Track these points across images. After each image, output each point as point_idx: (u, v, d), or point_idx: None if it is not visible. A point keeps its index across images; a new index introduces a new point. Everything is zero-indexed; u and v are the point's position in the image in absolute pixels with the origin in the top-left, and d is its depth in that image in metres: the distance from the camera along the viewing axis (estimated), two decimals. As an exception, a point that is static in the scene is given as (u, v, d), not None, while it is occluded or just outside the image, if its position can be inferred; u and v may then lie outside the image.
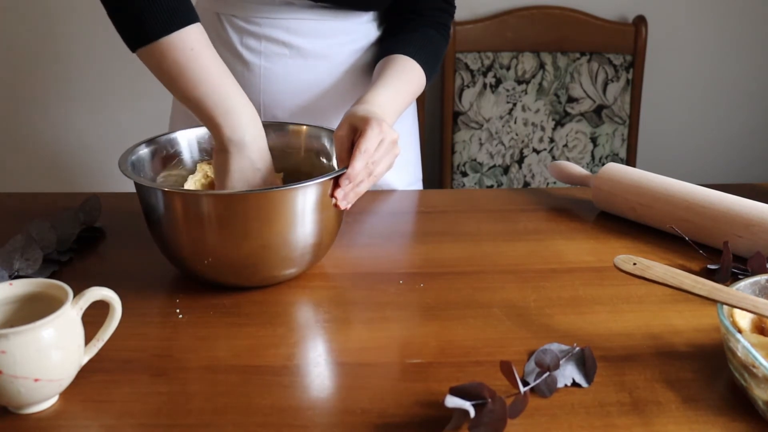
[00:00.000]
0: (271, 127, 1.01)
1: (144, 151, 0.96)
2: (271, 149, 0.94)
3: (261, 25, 1.13)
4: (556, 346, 0.77)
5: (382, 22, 1.20)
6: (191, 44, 0.88)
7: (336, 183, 0.86)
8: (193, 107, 0.90)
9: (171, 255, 0.89)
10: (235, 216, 0.82)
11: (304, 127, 1.04)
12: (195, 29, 0.89)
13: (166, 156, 0.99)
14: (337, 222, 0.91)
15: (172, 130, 1.02)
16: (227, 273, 0.87)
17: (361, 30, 1.17)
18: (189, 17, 0.89)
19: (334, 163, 1.00)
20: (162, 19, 0.87)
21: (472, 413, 0.64)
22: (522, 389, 0.68)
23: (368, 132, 0.88)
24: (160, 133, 1.00)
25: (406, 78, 1.07)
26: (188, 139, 1.01)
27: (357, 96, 1.04)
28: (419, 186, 1.34)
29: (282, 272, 0.88)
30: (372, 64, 1.17)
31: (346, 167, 0.87)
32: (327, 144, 1.02)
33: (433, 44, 1.13)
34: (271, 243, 0.84)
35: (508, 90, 2.06)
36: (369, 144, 0.88)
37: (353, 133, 0.91)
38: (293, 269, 0.89)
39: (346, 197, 0.87)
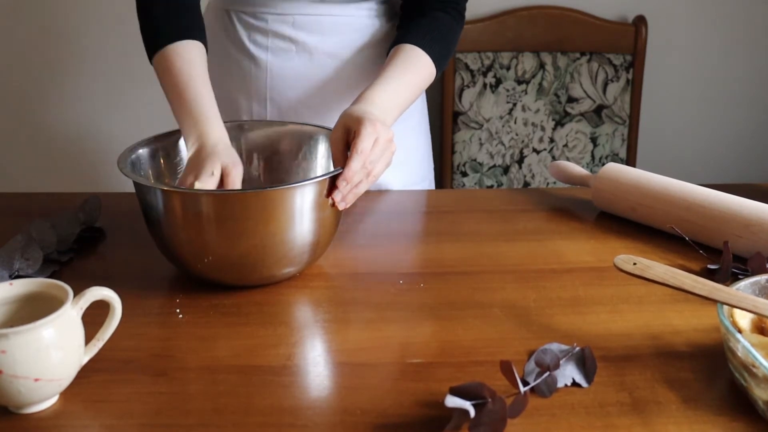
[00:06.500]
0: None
1: (144, 151, 0.96)
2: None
3: (268, 21, 1.16)
4: (556, 346, 0.77)
5: (391, 17, 1.20)
6: (186, 56, 1.00)
7: (332, 184, 0.86)
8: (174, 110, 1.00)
9: (170, 254, 0.89)
10: (234, 214, 0.82)
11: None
12: (194, 44, 1.02)
13: (167, 155, 0.99)
14: (335, 221, 0.91)
15: (173, 130, 1.02)
16: (227, 272, 0.87)
17: (367, 25, 1.17)
18: (192, 34, 1.02)
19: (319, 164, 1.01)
20: (170, 31, 1.02)
21: (472, 413, 0.64)
22: (522, 389, 0.68)
23: (362, 132, 0.88)
24: (160, 133, 1.00)
25: (411, 70, 1.05)
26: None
27: None
28: (425, 185, 1.33)
29: (281, 271, 0.88)
30: (379, 60, 1.16)
31: (343, 167, 0.87)
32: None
33: (443, 30, 1.10)
34: (269, 241, 0.84)
35: (508, 90, 2.05)
36: (364, 144, 0.88)
37: (347, 134, 0.91)
38: (292, 268, 0.89)
39: (344, 198, 0.87)
